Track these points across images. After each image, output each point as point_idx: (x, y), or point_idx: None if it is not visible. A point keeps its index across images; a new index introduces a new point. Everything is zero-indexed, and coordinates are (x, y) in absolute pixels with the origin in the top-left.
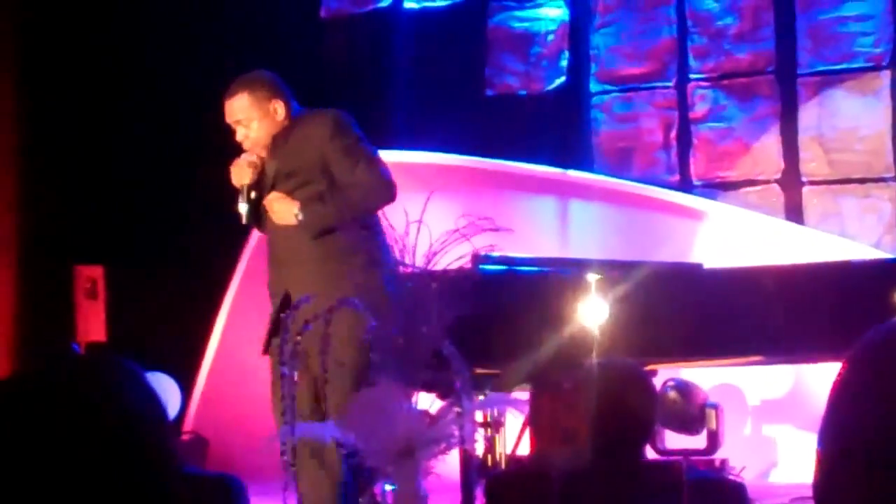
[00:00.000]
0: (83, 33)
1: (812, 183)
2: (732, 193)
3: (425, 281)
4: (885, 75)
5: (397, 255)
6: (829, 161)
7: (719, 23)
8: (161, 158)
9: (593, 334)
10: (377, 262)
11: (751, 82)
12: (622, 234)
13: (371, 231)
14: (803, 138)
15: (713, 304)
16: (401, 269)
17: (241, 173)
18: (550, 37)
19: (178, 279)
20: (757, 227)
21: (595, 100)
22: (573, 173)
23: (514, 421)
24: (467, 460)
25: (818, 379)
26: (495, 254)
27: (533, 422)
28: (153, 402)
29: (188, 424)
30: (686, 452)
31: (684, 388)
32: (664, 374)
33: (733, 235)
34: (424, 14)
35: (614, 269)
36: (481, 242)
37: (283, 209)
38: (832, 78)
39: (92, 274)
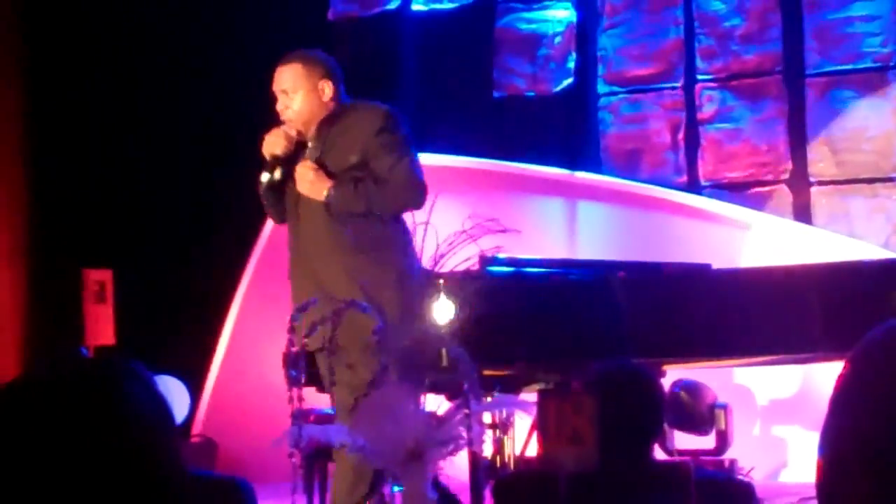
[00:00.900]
0: (91, 36)
1: (820, 183)
2: (740, 194)
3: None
4: (893, 75)
5: None
6: (836, 161)
7: (726, 24)
8: (170, 162)
9: (600, 335)
10: (410, 257)
11: (758, 83)
12: (630, 236)
13: (402, 227)
14: (811, 139)
15: (721, 305)
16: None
17: (274, 143)
18: (558, 38)
19: (187, 282)
20: (765, 227)
21: (602, 101)
22: (581, 174)
23: (523, 422)
24: (476, 462)
25: (827, 379)
26: (503, 255)
27: (541, 423)
28: (161, 405)
29: (197, 427)
30: (695, 453)
31: (693, 389)
32: (673, 375)
33: (741, 236)
34: (432, 16)
35: (622, 271)
36: (488, 244)
37: (314, 182)
38: (840, 78)
39: (100, 277)
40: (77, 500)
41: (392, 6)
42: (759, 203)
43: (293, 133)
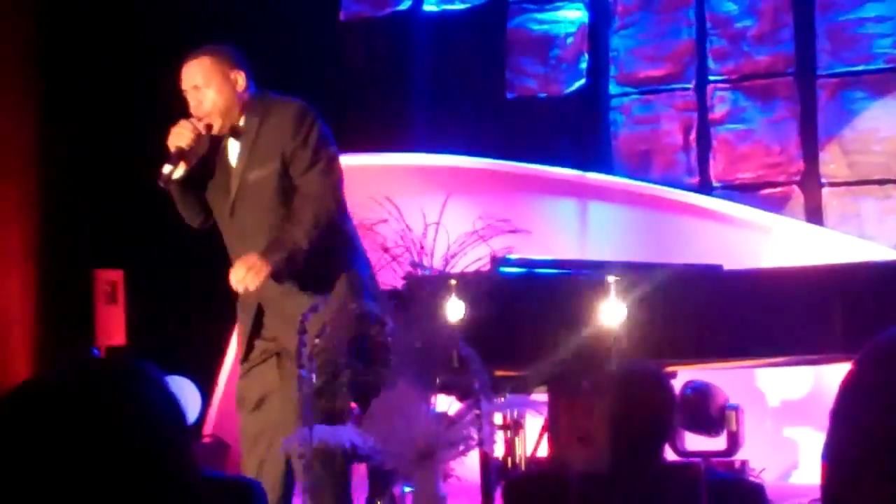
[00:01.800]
0: (102, 38)
1: (832, 184)
2: (752, 195)
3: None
4: None
5: (415, 256)
6: (848, 162)
7: (738, 24)
8: None
9: (612, 336)
10: (350, 261)
11: (770, 84)
12: (641, 236)
13: (342, 227)
14: (823, 140)
15: (732, 306)
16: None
17: (180, 135)
18: (570, 39)
19: (198, 283)
20: (776, 228)
21: (614, 102)
22: (592, 175)
23: (534, 423)
24: (486, 462)
25: (838, 380)
26: (514, 256)
27: (551, 423)
28: (173, 406)
29: (208, 428)
30: (706, 454)
31: (704, 390)
32: (684, 376)
33: (753, 237)
34: (443, 17)
35: (633, 271)
36: (500, 244)
37: (254, 274)
38: (851, 79)
39: (111, 278)
40: (90, 500)
41: (403, 7)
42: (770, 204)
43: (201, 128)
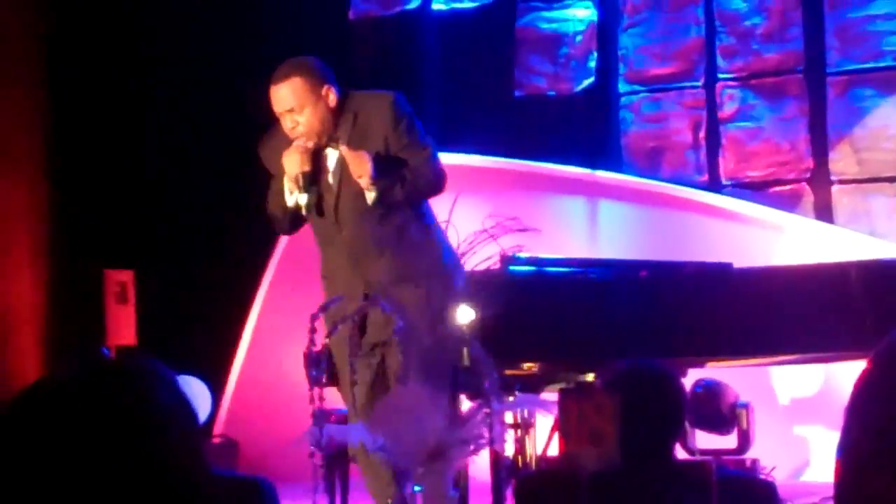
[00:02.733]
0: (110, 38)
1: (841, 182)
2: (761, 193)
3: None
4: None
5: None
6: (858, 160)
7: (747, 22)
8: (190, 162)
9: (621, 335)
10: (450, 253)
11: (779, 82)
12: (651, 235)
13: (436, 223)
14: (832, 137)
15: (743, 304)
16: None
17: (297, 161)
18: (579, 37)
19: (208, 282)
20: (786, 226)
21: (624, 100)
22: (602, 174)
23: (544, 422)
24: (497, 461)
25: (849, 378)
26: (524, 255)
27: (562, 422)
28: (184, 405)
29: (219, 427)
30: (717, 452)
31: (715, 388)
32: (694, 374)
33: (762, 235)
34: (452, 15)
35: (643, 270)
36: (509, 243)
37: (362, 162)
38: (861, 77)
39: (122, 278)
40: (101, 500)
41: (412, 5)
42: (780, 202)
43: (310, 145)
